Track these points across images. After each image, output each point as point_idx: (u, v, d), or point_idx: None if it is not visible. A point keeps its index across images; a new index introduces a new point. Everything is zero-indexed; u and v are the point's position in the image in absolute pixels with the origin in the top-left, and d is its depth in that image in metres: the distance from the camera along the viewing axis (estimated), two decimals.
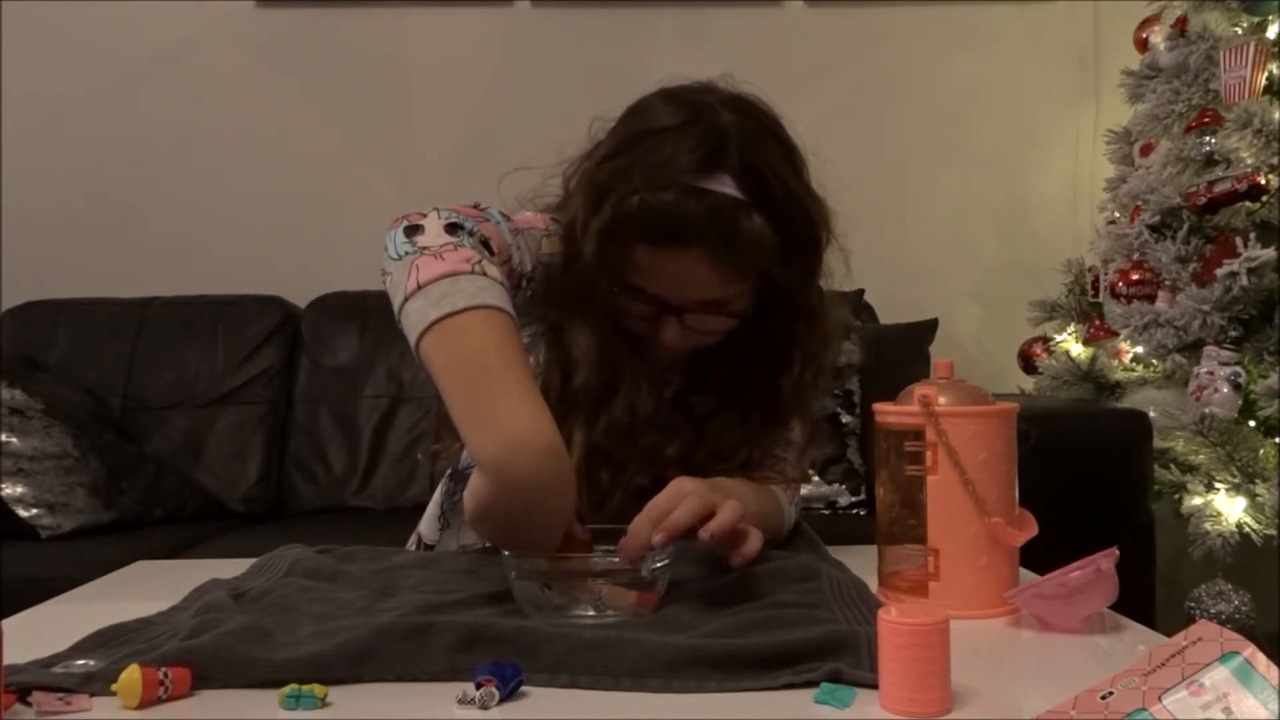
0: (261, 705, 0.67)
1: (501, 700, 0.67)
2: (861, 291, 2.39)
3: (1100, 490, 1.91)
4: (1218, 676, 0.53)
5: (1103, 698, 0.57)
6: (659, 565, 0.85)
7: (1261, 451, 1.93)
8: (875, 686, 0.67)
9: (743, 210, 1.00)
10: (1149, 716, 0.53)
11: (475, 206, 1.02)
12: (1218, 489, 1.96)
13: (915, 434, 0.90)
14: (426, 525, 1.23)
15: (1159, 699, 0.54)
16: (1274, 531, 1.91)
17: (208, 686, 0.70)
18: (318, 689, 0.67)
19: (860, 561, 1.00)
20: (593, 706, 0.68)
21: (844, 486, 2.12)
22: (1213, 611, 1.96)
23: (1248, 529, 1.92)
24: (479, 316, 0.84)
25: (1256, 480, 1.93)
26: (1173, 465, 2.02)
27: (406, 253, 0.91)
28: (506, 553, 0.86)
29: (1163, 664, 0.56)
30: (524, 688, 0.69)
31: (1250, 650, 0.54)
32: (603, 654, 0.72)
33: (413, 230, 0.93)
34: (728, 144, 1.01)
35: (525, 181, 1.11)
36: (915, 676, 0.64)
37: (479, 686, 0.67)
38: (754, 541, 0.94)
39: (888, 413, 0.93)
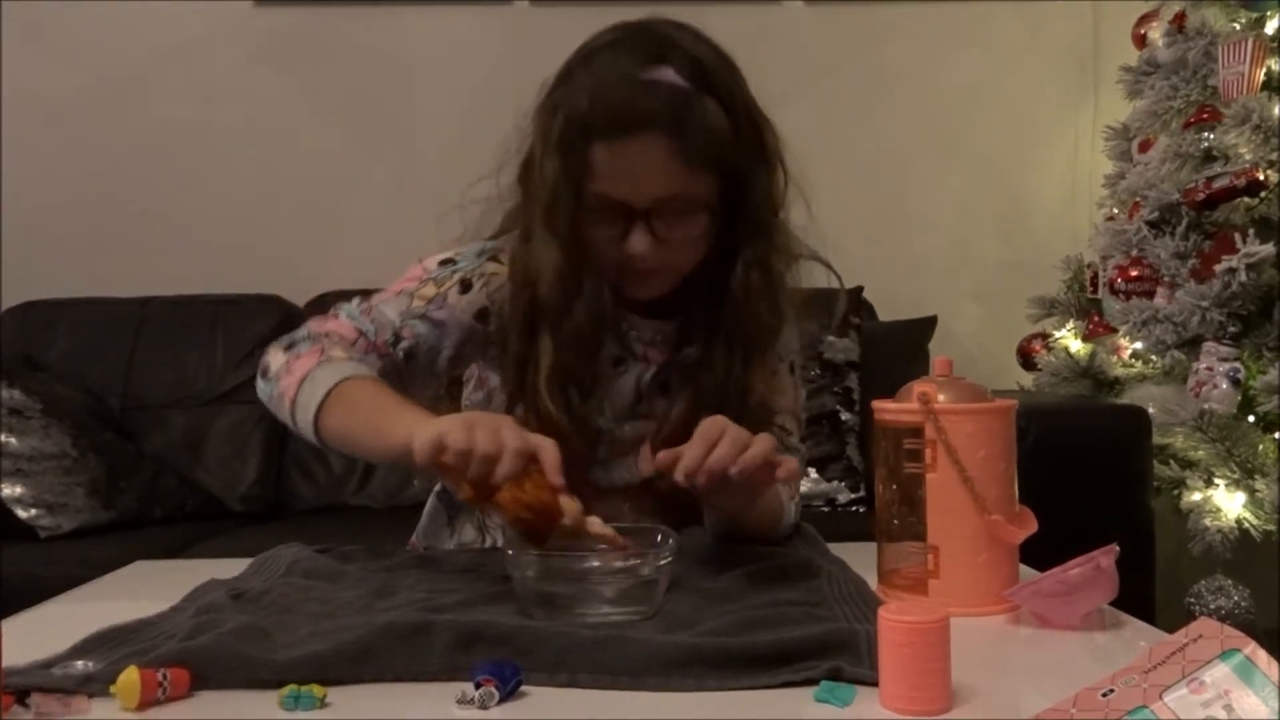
0: (260, 706, 0.67)
1: (501, 700, 0.67)
2: (860, 289, 2.38)
3: (1100, 486, 1.90)
4: (1218, 674, 0.53)
5: (1103, 695, 0.57)
6: (663, 563, 0.85)
7: (1261, 447, 1.93)
8: (875, 684, 0.67)
9: (693, 95, 1.02)
10: (1150, 715, 0.53)
11: (332, 312, 1.13)
12: (1217, 485, 1.96)
13: (914, 432, 0.90)
14: (424, 535, 1.24)
15: (1160, 696, 0.54)
16: (1273, 527, 1.91)
17: (206, 687, 0.70)
18: (316, 689, 0.67)
19: (860, 559, 1.00)
20: (592, 706, 0.68)
21: (843, 483, 2.12)
22: (1212, 607, 1.96)
23: (1247, 525, 1.92)
24: (349, 384, 1.01)
25: (1255, 476, 1.93)
26: (1172, 461, 2.02)
27: (271, 395, 1.07)
28: (510, 551, 0.86)
29: (1163, 661, 0.56)
30: (524, 687, 0.69)
31: (1251, 647, 0.54)
32: (602, 653, 0.72)
33: (265, 372, 1.09)
34: (670, 44, 1.05)
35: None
36: (915, 675, 0.64)
37: (478, 686, 0.67)
38: (790, 463, 0.96)
39: (886, 410, 0.93)
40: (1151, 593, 1.88)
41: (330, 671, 0.70)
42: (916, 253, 2.73)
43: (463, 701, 0.66)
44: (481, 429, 0.87)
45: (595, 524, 0.89)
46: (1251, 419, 1.96)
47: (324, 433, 1.02)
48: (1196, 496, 1.98)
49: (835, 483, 2.10)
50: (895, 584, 0.92)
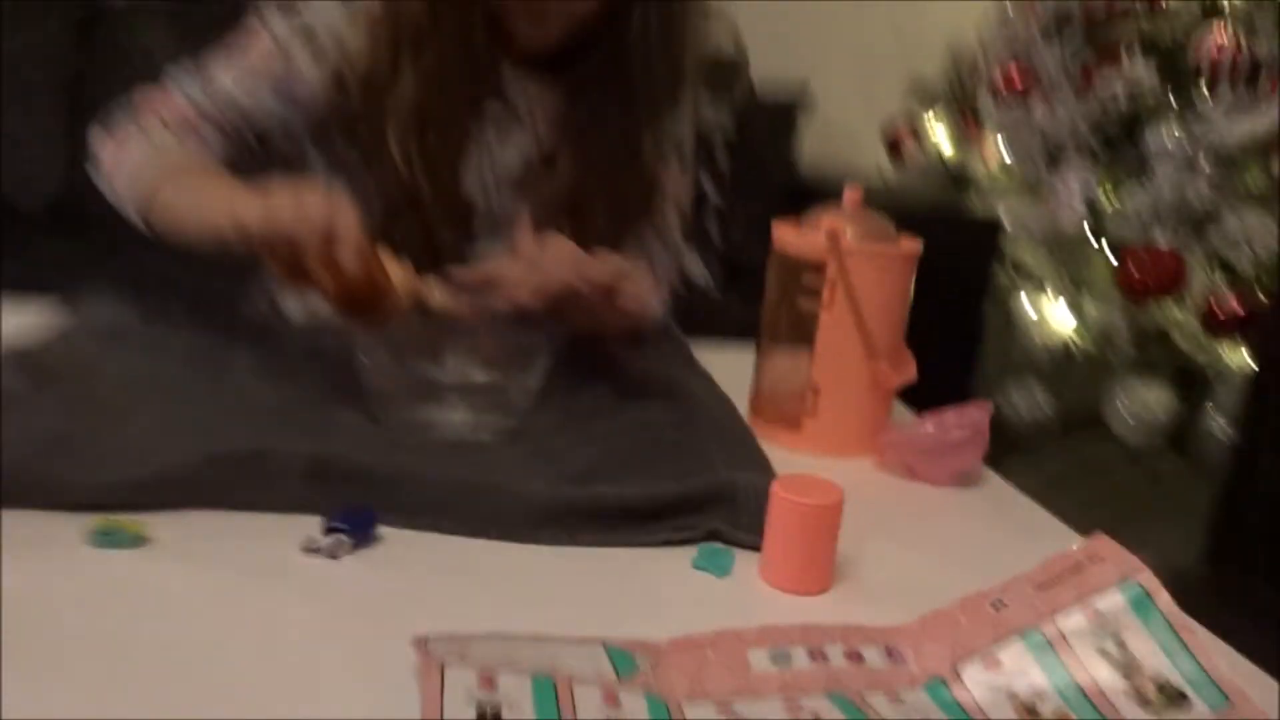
0: (67, 538, 0.58)
1: (354, 548, 0.60)
2: (740, 61, 2.25)
3: (942, 293, 1.94)
4: (1114, 605, 0.52)
5: (993, 605, 0.55)
6: (529, 379, 0.79)
7: (1098, 270, 2.00)
8: (755, 548, 0.64)
9: None
10: (1041, 638, 0.52)
11: (166, 85, 0.98)
12: (1054, 300, 2.03)
13: (815, 267, 0.84)
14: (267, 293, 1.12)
15: (1052, 618, 0.53)
16: (1094, 348, 2.01)
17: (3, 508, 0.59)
18: (134, 524, 0.58)
19: (725, 366, 0.97)
20: (452, 557, 0.62)
21: (703, 267, 2.08)
22: (1020, 408, 2.08)
23: (1071, 341, 2.02)
24: (175, 173, 0.92)
25: (1088, 295, 2.01)
26: (1016, 272, 2.08)
27: (106, 189, 0.97)
28: (360, 346, 0.78)
29: (1058, 578, 0.55)
30: (380, 530, 0.62)
31: (1149, 578, 0.53)
32: (466, 499, 0.65)
33: (96, 164, 0.98)
34: None
35: None
36: (804, 555, 0.61)
37: (328, 533, 0.60)
38: (636, 294, 0.93)
39: (789, 240, 0.86)
40: (970, 391, 1.98)
41: (152, 498, 0.61)
42: (795, 29, 2.58)
43: (310, 549, 0.59)
44: (283, 200, 0.78)
45: (438, 296, 0.82)
46: (1103, 241, 2.01)
47: (157, 227, 0.91)
48: (1031, 310, 2.06)
49: (696, 266, 2.06)
50: (768, 416, 0.89)
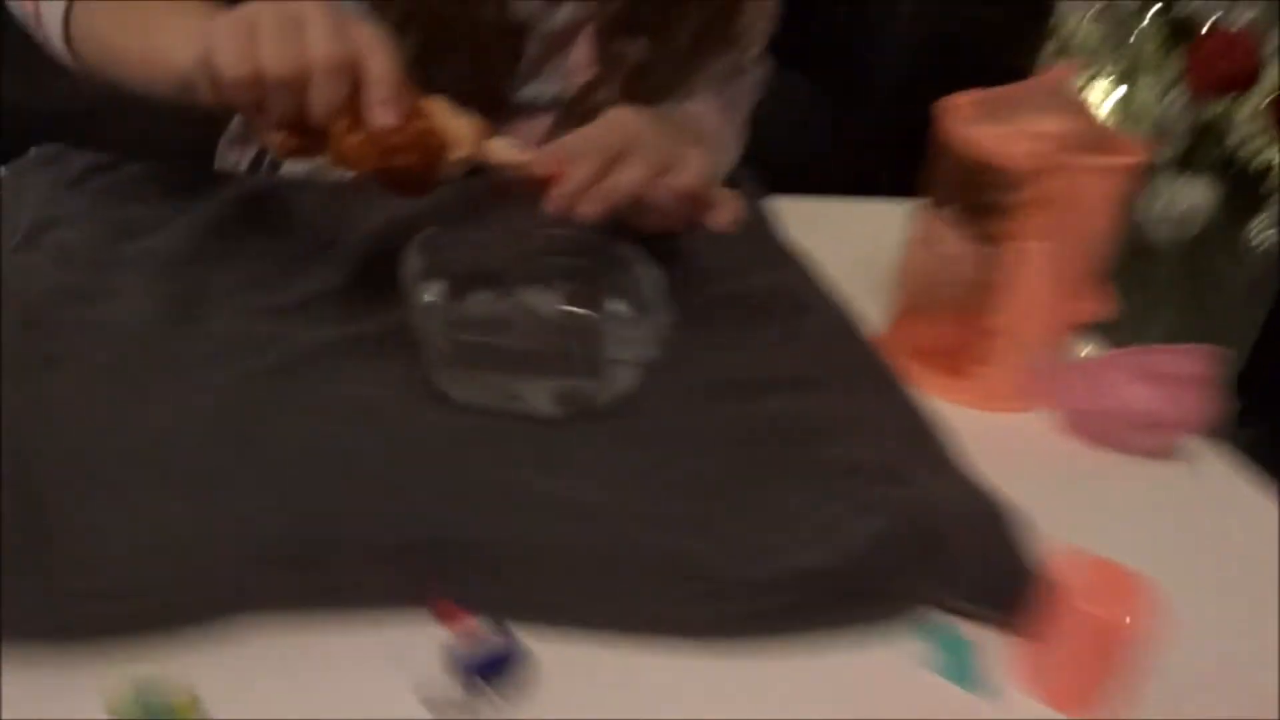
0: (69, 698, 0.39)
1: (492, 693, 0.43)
2: None
3: (980, 74, 1.73)
4: None
5: None
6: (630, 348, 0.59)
7: (1154, 45, 1.78)
8: (989, 621, 0.49)
9: None
10: None
11: None
12: (1106, 83, 1.82)
13: (1011, 179, 0.63)
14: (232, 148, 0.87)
15: None
16: (1140, 127, 1.82)
17: None
18: (182, 698, 0.39)
19: (827, 232, 0.80)
20: (611, 681, 0.45)
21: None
22: None
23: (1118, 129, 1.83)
24: None
25: (1139, 74, 1.80)
26: (1064, 49, 1.85)
27: (21, 11, 0.75)
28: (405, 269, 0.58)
29: None
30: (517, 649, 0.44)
31: None
32: (600, 586, 0.47)
33: None
34: None
35: None
36: (1102, 674, 0.46)
37: (463, 679, 0.42)
38: (728, 210, 0.69)
39: (980, 141, 0.64)
40: None
41: (181, 614, 0.42)
42: None
43: (434, 704, 0.41)
44: (269, 32, 0.53)
45: (502, 149, 0.60)
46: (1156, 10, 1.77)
47: (81, 55, 0.69)
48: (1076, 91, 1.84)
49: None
50: (918, 358, 0.70)
